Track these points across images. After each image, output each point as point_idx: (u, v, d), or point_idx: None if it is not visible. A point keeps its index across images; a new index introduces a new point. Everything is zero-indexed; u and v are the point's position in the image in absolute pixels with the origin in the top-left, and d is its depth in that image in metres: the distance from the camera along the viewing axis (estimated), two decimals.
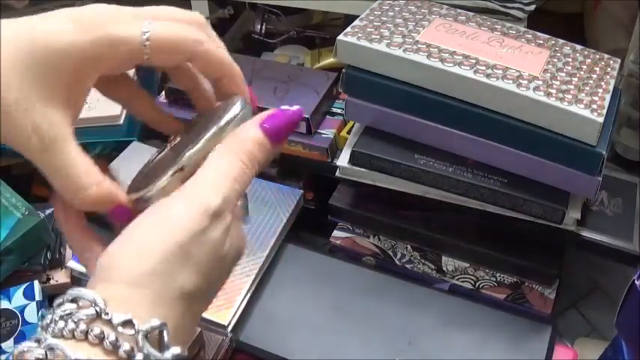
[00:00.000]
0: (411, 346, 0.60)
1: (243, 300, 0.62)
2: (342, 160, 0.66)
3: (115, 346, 0.27)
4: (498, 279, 0.66)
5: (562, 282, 0.66)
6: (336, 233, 0.71)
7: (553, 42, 0.64)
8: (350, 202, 0.70)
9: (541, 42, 0.64)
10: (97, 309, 0.27)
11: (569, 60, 0.61)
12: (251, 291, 0.63)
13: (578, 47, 0.64)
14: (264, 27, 0.92)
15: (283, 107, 0.36)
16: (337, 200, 0.70)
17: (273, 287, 0.65)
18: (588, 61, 0.62)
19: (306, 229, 0.75)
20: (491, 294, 0.66)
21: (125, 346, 0.27)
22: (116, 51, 0.32)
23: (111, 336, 0.27)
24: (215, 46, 0.35)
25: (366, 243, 0.70)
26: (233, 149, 0.33)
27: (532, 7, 0.69)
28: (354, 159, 0.65)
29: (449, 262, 0.68)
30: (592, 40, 0.87)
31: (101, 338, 0.27)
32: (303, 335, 0.61)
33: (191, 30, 0.34)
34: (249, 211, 0.69)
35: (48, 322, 0.28)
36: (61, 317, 0.28)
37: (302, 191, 0.72)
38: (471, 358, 0.59)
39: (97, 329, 0.27)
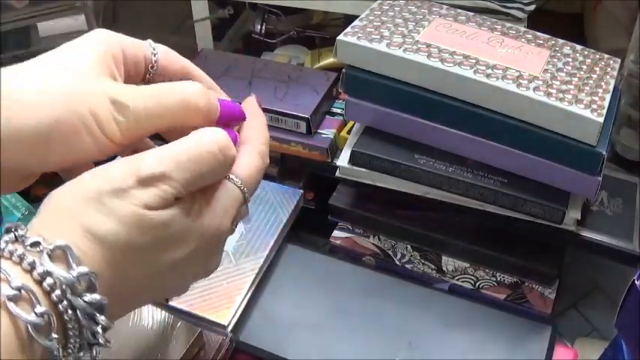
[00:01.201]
0: (411, 346, 0.60)
1: (243, 300, 0.62)
2: (342, 160, 0.66)
3: (22, 258, 0.30)
4: (498, 279, 0.66)
5: (562, 282, 0.66)
6: (336, 233, 0.71)
7: (553, 42, 0.64)
8: (350, 202, 0.70)
9: (541, 42, 0.64)
10: (16, 234, 0.30)
11: (569, 60, 0.61)
12: (251, 291, 0.63)
13: (578, 47, 0.64)
14: (264, 27, 0.92)
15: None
16: (337, 200, 0.70)
17: (273, 287, 0.65)
18: (588, 61, 0.62)
19: (306, 229, 0.75)
20: (491, 294, 0.66)
21: (29, 259, 0.30)
22: (135, 45, 0.38)
23: (19, 251, 0.30)
24: None
25: (366, 243, 0.70)
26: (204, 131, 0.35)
27: (532, 7, 0.69)
28: (354, 159, 0.65)
29: (449, 262, 0.68)
30: (592, 40, 0.87)
31: (12, 253, 0.30)
32: (303, 335, 0.61)
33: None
34: (249, 211, 0.69)
35: None
36: None
37: (302, 191, 0.72)
38: (470, 358, 0.59)
39: (10, 247, 0.30)
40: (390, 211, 0.69)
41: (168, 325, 0.57)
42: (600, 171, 0.57)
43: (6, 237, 0.30)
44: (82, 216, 0.31)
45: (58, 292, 0.29)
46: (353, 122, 0.70)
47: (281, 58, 0.89)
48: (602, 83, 0.59)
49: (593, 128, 0.55)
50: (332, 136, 0.72)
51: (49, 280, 0.29)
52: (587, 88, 0.58)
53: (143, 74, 0.39)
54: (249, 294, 0.63)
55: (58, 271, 0.29)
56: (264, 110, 0.71)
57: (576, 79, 0.59)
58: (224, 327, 0.59)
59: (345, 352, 0.59)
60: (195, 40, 0.90)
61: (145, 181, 0.32)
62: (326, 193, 0.72)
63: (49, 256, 0.30)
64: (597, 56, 0.63)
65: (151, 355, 0.55)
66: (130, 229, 0.31)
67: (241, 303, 0.62)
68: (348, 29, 0.63)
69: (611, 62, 0.63)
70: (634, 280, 0.46)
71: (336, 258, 0.69)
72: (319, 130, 0.73)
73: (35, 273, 0.29)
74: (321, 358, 0.59)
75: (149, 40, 0.39)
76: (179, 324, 0.57)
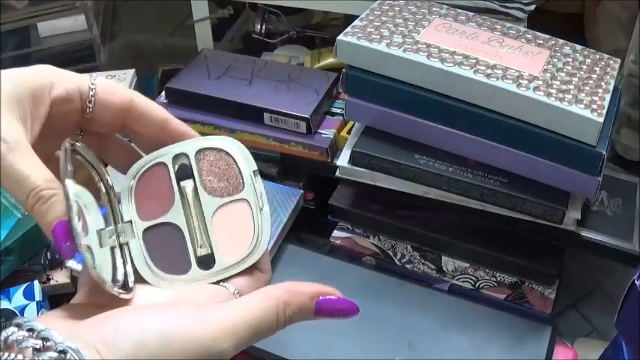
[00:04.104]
0: (411, 347, 0.60)
1: None
2: (342, 160, 0.66)
3: None
4: (498, 279, 0.66)
5: (562, 282, 0.66)
6: (336, 233, 0.71)
7: (553, 42, 0.64)
8: (350, 202, 0.70)
9: (541, 42, 0.64)
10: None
11: (569, 60, 0.61)
12: None
13: (578, 47, 0.64)
14: (264, 27, 0.92)
15: (341, 297, 0.38)
16: (337, 200, 0.70)
17: None
18: (588, 61, 0.62)
19: (306, 229, 0.75)
20: (491, 294, 0.66)
21: None
22: (67, 80, 0.37)
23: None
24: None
25: (366, 243, 0.70)
26: (279, 301, 0.35)
27: (532, 7, 0.69)
28: (354, 159, 0.65)
29: (449, 262, 0.68)
30: (592, 40, 0.87)
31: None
32: (303, 335, 0.61)
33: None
34: None
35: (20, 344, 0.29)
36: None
37: (302, 191, 0.72)
38: (470, 359, 0.59)
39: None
40: (390, 211, 0.69)
41: None
42: (600, 171, 0.57)
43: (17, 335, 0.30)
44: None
45: None
46: (353, 122, 0.70)
47: (281, 58, 0.89)
48: (602, 83, 0.59)
49: (593, 128, 0.55)
50: (332, 136, 0.72)
51: None
52: (587, 88, 0.58)
53: (81, 108, 0.38)
54: None
55: None
56: (264, 110, 0.72)
57: (576, 79, 0.59)
58: None
59: (345, 352, 0.59)
60: (195, 40, 0.90)
61: (219, 354, 0.32)
62: (326, 193, 0.72)
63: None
64: (597, 56, 0.63)
65: None
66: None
67: None
68: (348, 29, 0.63)
69: (611, 62, 0.63)
70: (634, 280, 0.46)
71: (336, 258, 0.69)
72: (319, 130, 0.73)
73: None
74: (321, 358, 0.59)
75: (91, 74, 0.39)
76: None
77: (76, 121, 0.38)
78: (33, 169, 0.33)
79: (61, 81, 0.37)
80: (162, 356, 0.31)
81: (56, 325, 0.31)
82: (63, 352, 0.29)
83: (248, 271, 0.39)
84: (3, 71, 0.35)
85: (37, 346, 0.29)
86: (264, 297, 0.35)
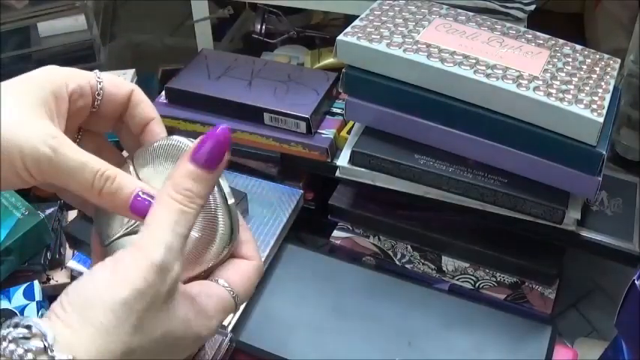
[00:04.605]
0: (411, 347, 0.60)
1: None
2: (342, 160, 0.66)
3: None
4: (498, 279, 0.66)
5: (562, 282, 0.66)
6: (336, 233, 0.71)
7: (553, 42, 0.64)
8: (350, 202, 0.70)
9: (541, 42, 0.64)
10: (45, 344, 0.30)
11: (569, 60, 0.61)
12: None
13: (578, 47, 0.64)
14: (264, 27, 0.92)
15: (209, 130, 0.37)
16: (337, 200, 0.70)
17: (273, 287, 0.65)
18: (588, 61, 0.62)
19: (306, 229, 0.75)
20: (491, 294, 0.66)
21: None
22: (77, 77, 0.39)
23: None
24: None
25: (366, 243, 0.70)
26: (168, 193, 0.35)
27: (532, 7, 0.69)
28: (354, 159, 0.65)
29: (449, 262, 0.68)
30: (592, 40, 0.87)
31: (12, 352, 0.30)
32: (303, 335, 0.61)
33: None
34: (249, 211, 0.69)
35: None
36: (14, 340, 0.30)
37: (302, 191, 0.72)
38: (470, 358, 0.59)
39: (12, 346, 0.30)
40: (390, 211, 0.69)
41: None
42: (600, 171, 0.57)
43: (33, 343, 0.30)
44: (114, 331, 0.32)
45: None
46: (353, 122, 0.70)
47: (281, 58, 0.89)
48: (602, 83, 0.59)
49: (593, 128, 0.55)
50: (332, 136, 0.72)
51: None
52: (587, 88, 0.58)
53: (91, 102, 0.40)
54: None
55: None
56: (265, 110, 0.72)
57: (576, 79, 0.59)
58: (224, 327, 0.59)
59: (345, 352, 0.59)
60: (195, 40, 0.91)
61: (162, 268, 0.33)
62: (326, 193, 0.72)
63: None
64: (597, 56, 0.63)
65: None
66: (151, 327, 0.33)
67: None
68: (348, 29, 0.63)
69: (611, 62, 0.63)
70: (634, 280, 0.46)
71: (336, 258, 0.69)
72: (319, 130, 0.73)
73: None
74: (321, 358, 0.59)
75: (96, 71, 0.41)
76: None
77: (83, 117, 0.40)
78: (88, 156, 0.35)
79: (73, 78, 0.39)
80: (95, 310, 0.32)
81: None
82: (28, 326, 0.31)
83: (231, 262, 0.40)
84: (24, 76, 0.37)
85: (10, 329, 0.31)
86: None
